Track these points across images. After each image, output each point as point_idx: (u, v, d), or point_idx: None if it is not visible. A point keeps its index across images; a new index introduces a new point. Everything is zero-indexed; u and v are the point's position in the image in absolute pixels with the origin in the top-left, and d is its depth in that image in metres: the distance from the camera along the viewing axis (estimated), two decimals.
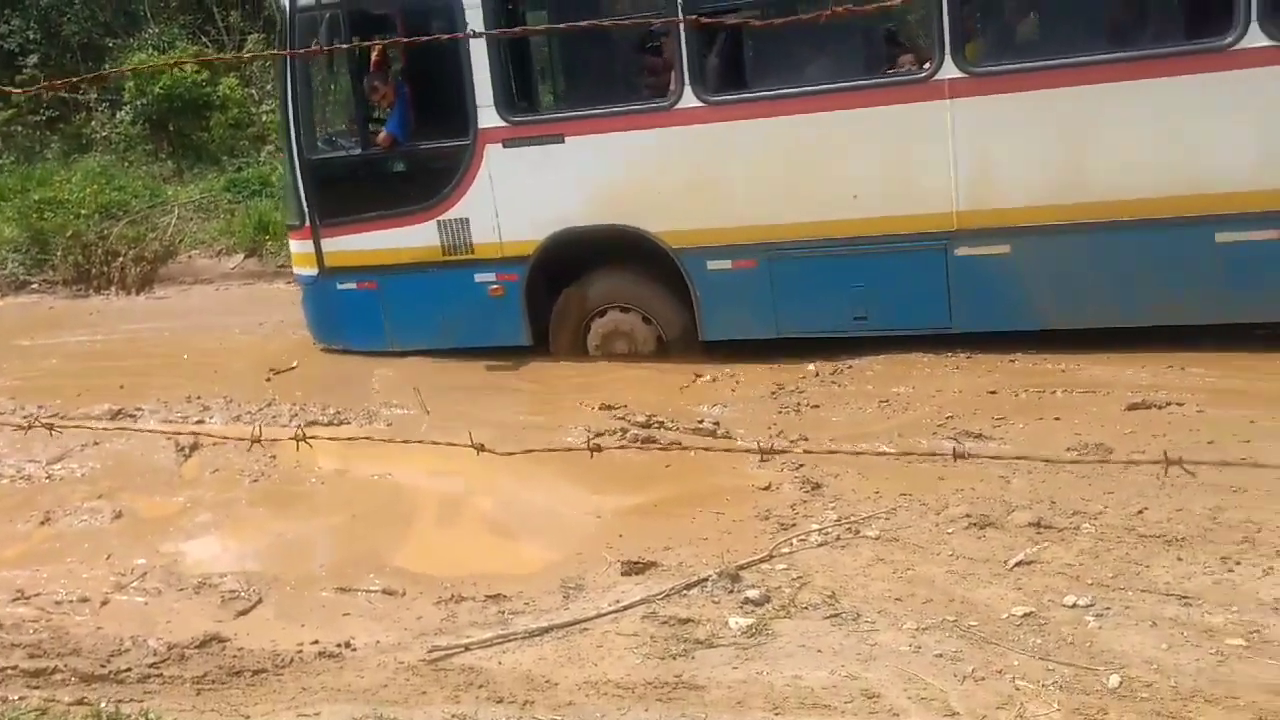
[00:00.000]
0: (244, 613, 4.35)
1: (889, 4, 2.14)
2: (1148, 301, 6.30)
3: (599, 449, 2.40)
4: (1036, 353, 6.46)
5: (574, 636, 3.83)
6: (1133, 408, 5.46)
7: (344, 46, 7.61)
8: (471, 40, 7.13)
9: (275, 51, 9.67)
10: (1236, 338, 6.19)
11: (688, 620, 3.84)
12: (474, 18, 7.09)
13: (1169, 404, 5.43)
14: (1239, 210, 5.95)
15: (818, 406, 6.15)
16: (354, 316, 8.07)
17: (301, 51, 7.23)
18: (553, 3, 8.32)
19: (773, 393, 6.51)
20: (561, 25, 6.93)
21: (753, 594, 3.95)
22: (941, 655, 3.43)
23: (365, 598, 4.38)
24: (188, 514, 5.53)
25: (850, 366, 6.72)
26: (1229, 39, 5.83)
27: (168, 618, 4.32)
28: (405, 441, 3.31)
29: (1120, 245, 6.22)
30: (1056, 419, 5.48)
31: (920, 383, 6.29)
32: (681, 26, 6.74)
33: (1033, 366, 6.34)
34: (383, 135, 7.75)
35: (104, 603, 4.53)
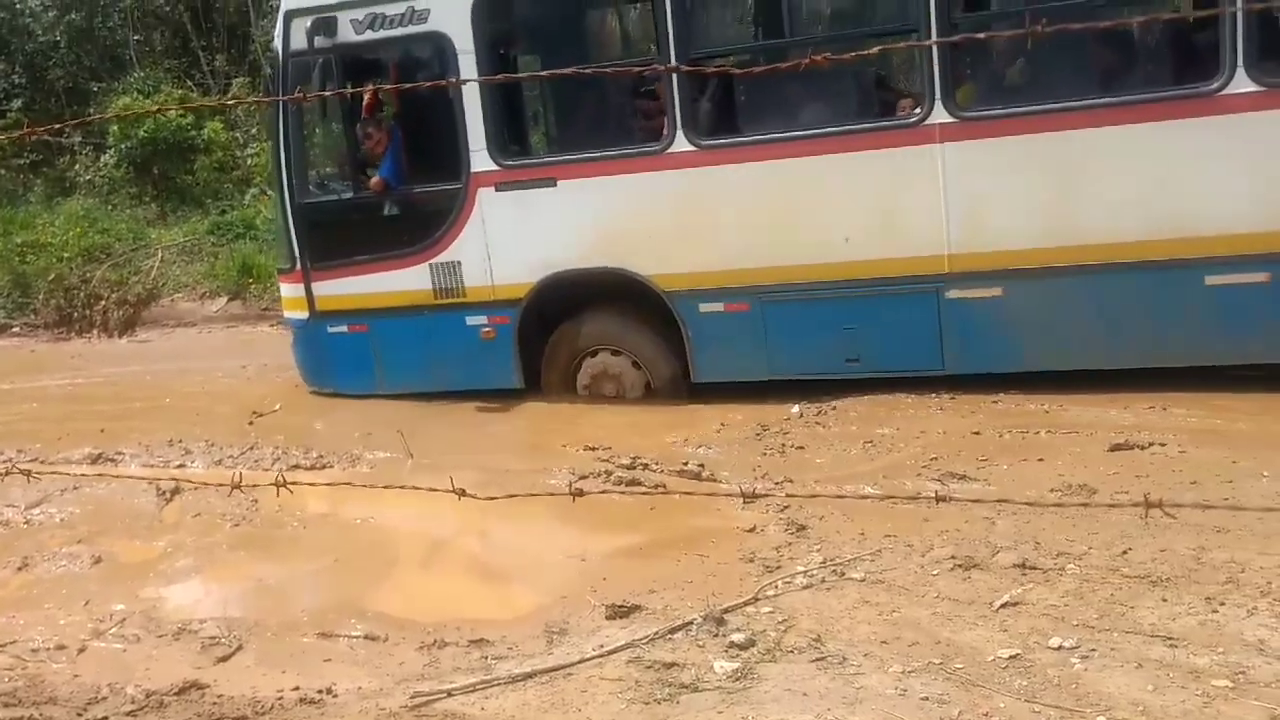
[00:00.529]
0: (224, 659, 4.30)
1: (869, 52, 2.16)
2: (1139, 343, 6.34)
3: (580, 493, 2.39)
4: (1020, 393, 6.48)
5: (558, 681, 3.79)
6: (1116, 448, 5.48)
7: (335, 91, 7.64)
8: (464, 85, 7.18)
9: (264, 98, 9.73)
10: (1217, 378, 6.23)
11: (672, 664, 3.81)
12: (466, 63, 7.15)
13: (1151, 445, 5.45)
14: (1229, 253, 6.01)
15: (802, 448, 6.16)
16: (345, 360, 8.05)
17: (290, 98, 7.26)
18: (544, 48, 8.41)
19: (757, 434, 6.51)
20: (549, 72, 6.96)
21: (738, 637, 3.92)
22: (928, 698, 3.41)
23: (347, 643, 4.33)
24: (168, 559, 5.47)
25: (834, 408, 6.73)
26: (1216, 84, 5.92)
27: (146, 664, 4.27)
28: (386, 486, 3.28)
29: (1111, 287, 6.27)
30: (1040, 460, 5.49)
31: (904, 424, 6.30)
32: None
33: (1016, 407, 6.36)
34: (375, 180, 7.78)
35: (81, 649, 4.47)
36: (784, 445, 6.22)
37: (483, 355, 7.60)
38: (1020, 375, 6.56)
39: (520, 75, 7.98)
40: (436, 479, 5.55)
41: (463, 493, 2.63)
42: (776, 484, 5.59)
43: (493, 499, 2.71)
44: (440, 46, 7.27)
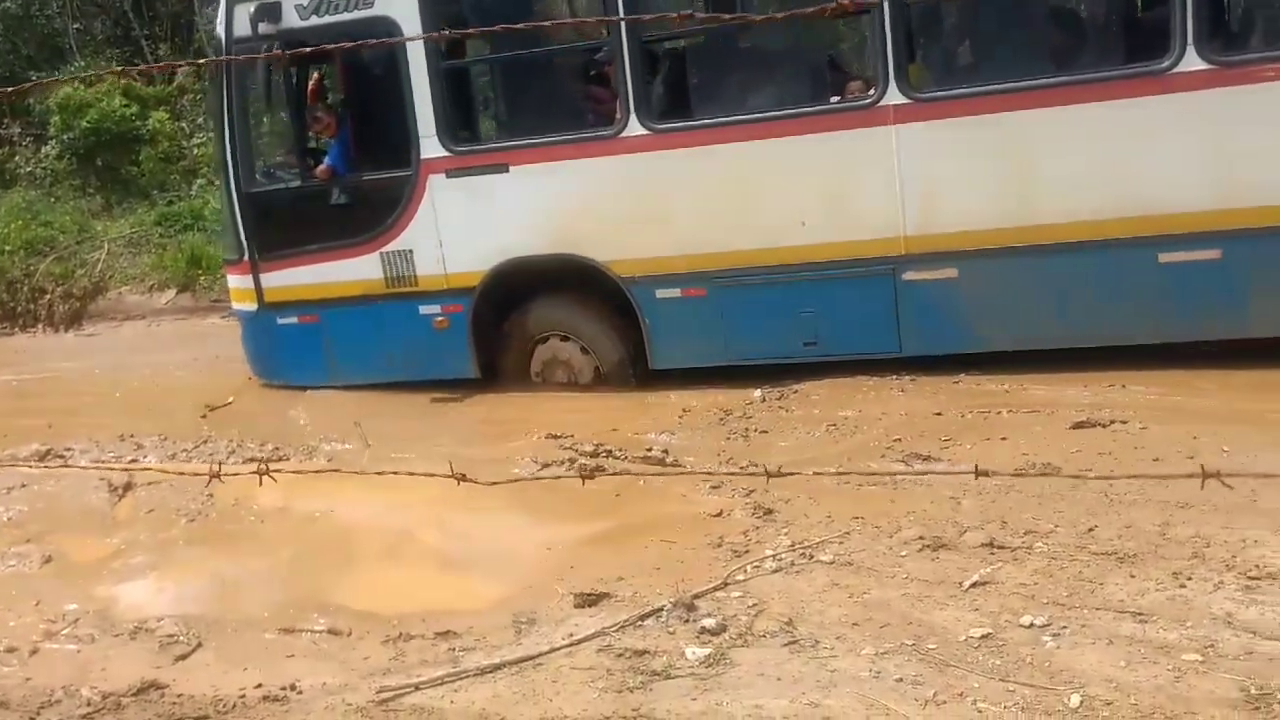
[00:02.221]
0: (183, 657, 4.19)
1: (821, 10, 2.12)
2: (1094, 322, 6.38)
3: (591, 476, 2.34)
4: (980, 374, 6.51)
5: (528, 672, 3.73)
6: (1078, 426, 5.50)
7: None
8: (413, 68, 7.07)
9: (207, 60, 9.52)
10: (1175, 356, 6.28)
11: (644, 652, 3.76)
12: (414, 47, 7.04)
13: (1113, 422, 5.48)
14: (1182, 231, 6.06)
15: (766, 432, 6.13)
16: (295, 351, 7.92)
17: (229, 59, 7.11)
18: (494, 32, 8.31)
19: (720, 419, 6.48)
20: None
21: (709, 623, 3.88)
22: (902, 680, 3.39)
23: (310, 638, 4.25)
24: (121, 556, 5.35)
25: (796, 391, 6.72)
26: (1166, 63, 5.95)
27: (102, 665, 4.16)
28: (379, 473, 3.20)
29: (1066, 267, 6.30)
30: (1003, 439, 5.50)
31: (866, 406, 6.30)
32: (626, 54, 6.73)
33: (977, 387, 6.38)
34: (322, 168, 7.66)
35: (33, 651, 4.35)
36: (748, 430, 6.19)
37: (437, 345, 7.52)
38: (980, 356, 6.59)
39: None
40: (397, 468, 5.44)
41: (463, 477, 2.55)
42: (742, 468, 5.55)
43: (494, 484, 2.64)
44: (388, 31, 7.14)
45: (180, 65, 12.63)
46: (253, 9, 7.23)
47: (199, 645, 4.28)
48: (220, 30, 7.56)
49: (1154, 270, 6.15)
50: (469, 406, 7.45)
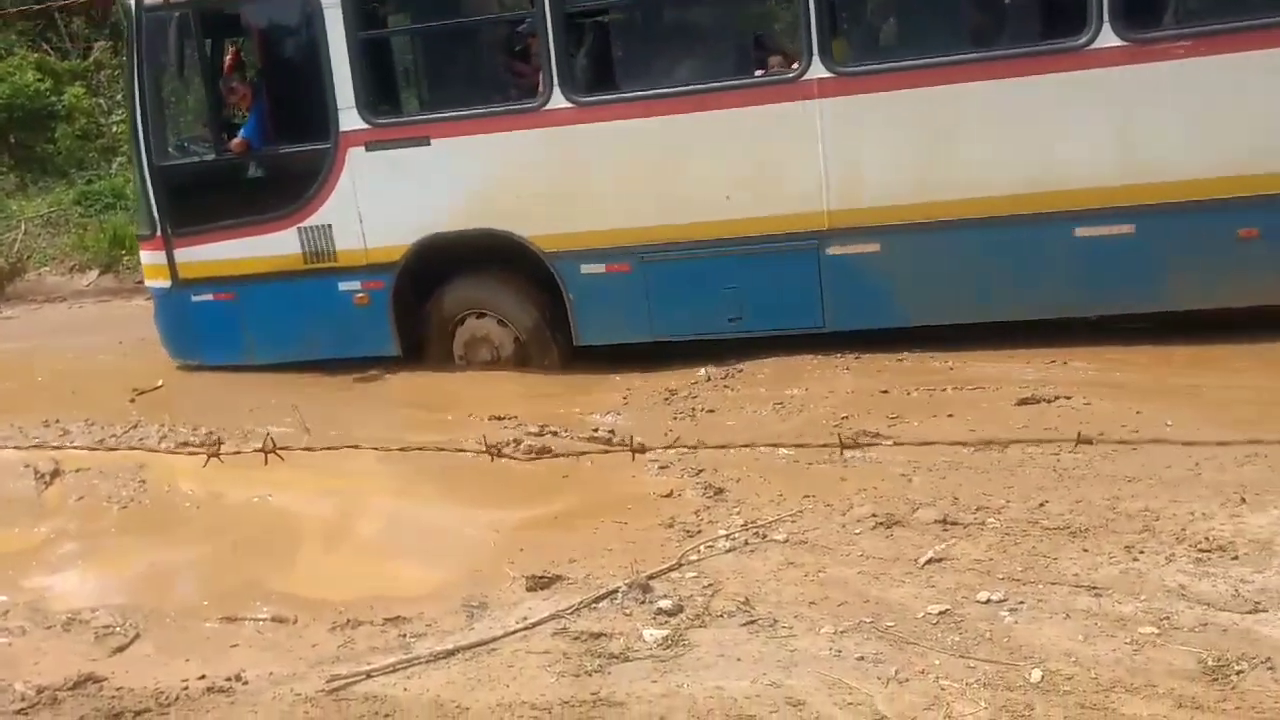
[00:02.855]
0: (121, 649, 4.05)
1: None
2: (1014, 296, 6.45)
3: (641, 450, 2.30)
4: (924, 351, 6.55)
5: (482, 658, 3.65)
6: (1023, 403, 5.54)
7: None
8: (331, 39, 6.89)
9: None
10: (1109, 332, 6.37)
11: (600, 634, 3.70)
12: (333, 18, 6.86)
13: (1057, 398, 5.53)
14: (1097, 206, 6.14)
15: (713, 411, 6.10)
16: (211, 329, 7.72)
17: None
18: (415, 2, 8.13)
19: (665, 399, 6.44)
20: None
21: (665, 604, 3.83)
22: (863, 658, 3.37)
23: (254, 626, 4.12)
24: (51, 545, 5.15)
25: (741, 370, 6.69)
26: (1083, 39, 6.01)
27: (35, 658, 4.00)
28: (404, 450, 3.11)
29: (985, 241, 6.36)
30: (950, 416, 5.52)
31: (812, 384, 6.29)
32: (550, 25, 6.62)
33: (921, 365, 6.41)
34: (236, 141, 7.44)
35: None
36: (694, 409, 6.15)
37: (357, 322, 7.37)
38: (923, 334, 6.63)
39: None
40: (334, 453, 5.34)
41: (498, 452, 2.46)
42: (690, 448, 5.50)
43: (534, 457, 2.57)
44: (305, 0, 6.95)
45: None
46: None
47: (137, 636, 4.14)
48: None
49: (1071, 244, 6.24)
50: (399, 387, 7.31)
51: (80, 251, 11.92)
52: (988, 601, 3.64)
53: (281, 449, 2.52)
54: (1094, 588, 3.64)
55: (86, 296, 11.43)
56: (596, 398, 6.64)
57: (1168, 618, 3.41)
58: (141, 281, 10.81)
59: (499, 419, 6.26)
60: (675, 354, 7.09)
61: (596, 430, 5.92)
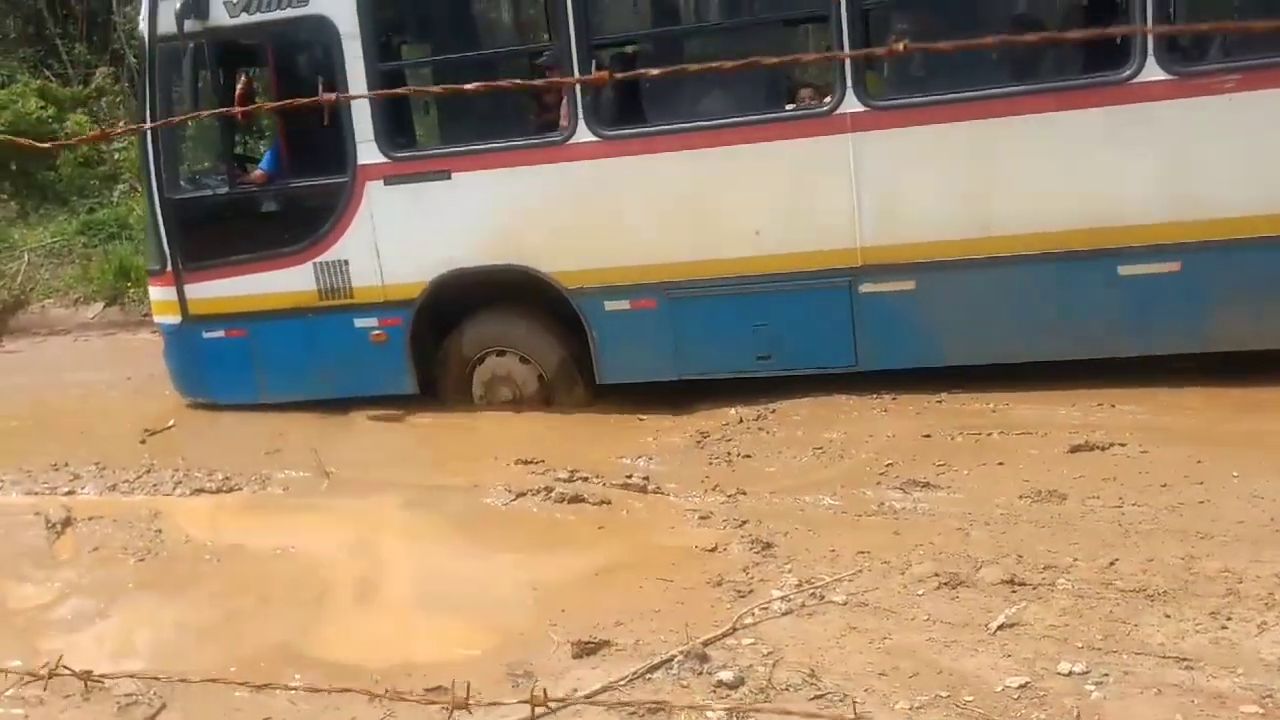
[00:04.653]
0: None
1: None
2: (1054, 336, 6.25)
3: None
4: (962, 392, 6.33)
5: None
6: (1075, 450, 5.33)
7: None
8: (350, 71, 6.73)
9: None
10: (1155, 371, 6.16)
11: (658, 709, 3.49)
12: (351, 49, 6.71)
13: (1111, 445, 5.33)
14: (1142, 243, 5.96)
15: (749, 456, 5.89)
16: (222, 367, 7.50)
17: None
18: (435, 32, 7.97)
19: (698, 441, 6.23)
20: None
21: (725, 675, 3.62)
22: None
23: (287, 698, 3.89)
24: (66, 602, 4.92)
25: (774, 411, 6.48)
26: (1127, 72, 5.85)
27: None
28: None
29: (1025, 279, 6.17)
30: (1000, 464, 5.32)
31: (851, 427, 6.09)
32: (575, 58, 6.48)
33: (961, 407, 6.20)
34: (258, 173, 7.30)
35: None
36: (729, 454, 5.94)
37: (374, 360, 7.16)
38: (956, 373, 6.41)
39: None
40: (357, 499, 5.15)
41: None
42: (730, 496, 5.31)
43: None
44: (323, 30, 6.79)
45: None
46: (179, 5, 6.83)
47: (163, 707, 3.92)
48: (144, 27, 7.13)
49: (1114, 282, 6.06)
50: (420, 429, 7.09)
51: (85, 283, 11.69)
52: (1070, 673, 3.44)
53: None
54: (1184, 659, 3.44)
55: (91, 330, 11.20)
56: (625, 440, 6.43)
57: (1270, 695, 3.20)
58: (148, 314, 10.63)
59: (525, 463, 6.04)
60: (699, 392, 6.89)
61: (630, 476, 5.71)
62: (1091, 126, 5.96)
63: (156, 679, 3.69)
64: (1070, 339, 6.23)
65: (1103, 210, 6.00)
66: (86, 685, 1.93)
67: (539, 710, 1.78)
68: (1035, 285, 6.17)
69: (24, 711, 3.99)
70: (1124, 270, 6.04)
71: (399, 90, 6.99)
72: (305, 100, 2.15)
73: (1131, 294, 6.04)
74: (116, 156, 15.42)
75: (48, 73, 17.41)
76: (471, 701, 2.92)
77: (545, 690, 1.85)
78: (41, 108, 15.31)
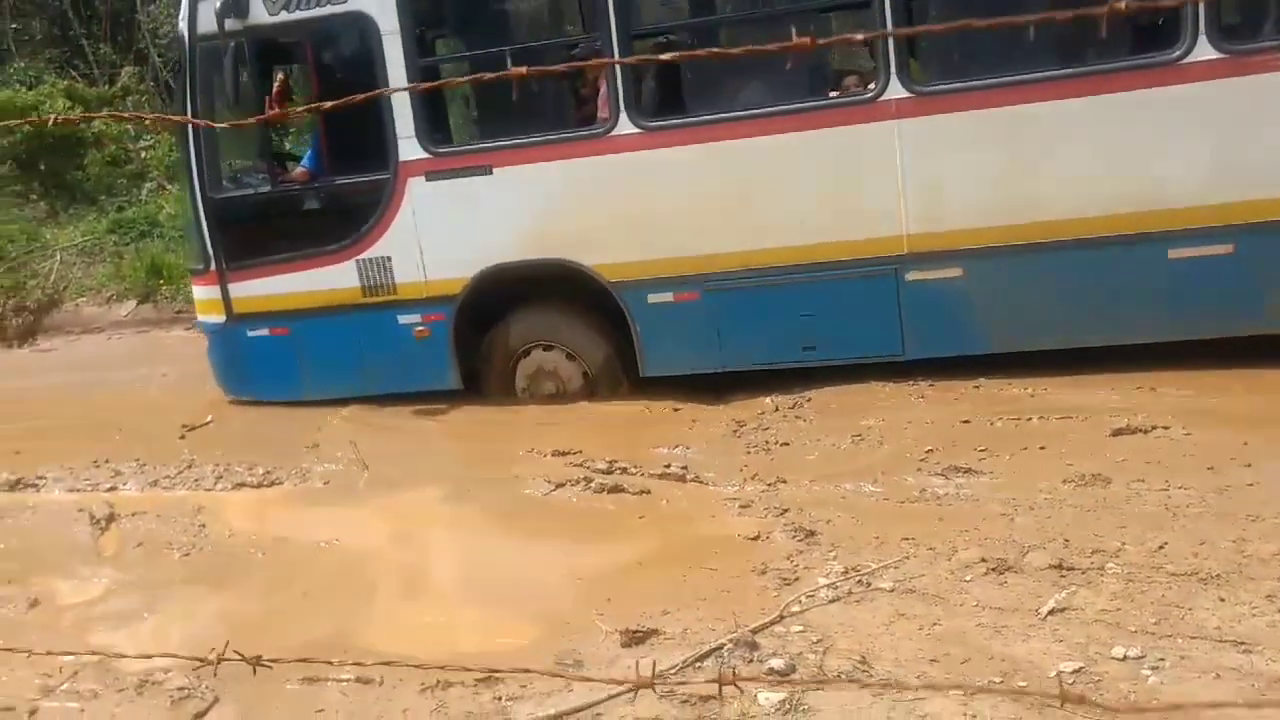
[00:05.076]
0: (201, 715, 3.85)
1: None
2: (1103, 321, 6.21)
3: None
4: (999, 376, 6.30)
5: None
6: (1118, 433, 5.30)
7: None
8: (390, 67, 6.74)
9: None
10: (1196, 353, 6.11)
11: (710, 697, 3.49)
12: (391, 45, 6.72)
13: (1154, 428, 5.29)
14: (1192, 226, 5.91)
15: (787, 444, 5.88)
16: (266, 365, 7.56)
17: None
18: (475, 27, 7.97)
19: (734, 430, 6.22)
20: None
21: (776, 663, 3.61)
22: None
23: (338, 689, 3.91)
24: (114, 597, 4.95)
25: (809, 399, 6.47)
26: (1177, 52, 5.79)
27: None
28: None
29: (1074, 264, 6.13)
30: (1042, 448, 5.29)
31: (888, 414, 6.06)
32: (615, 50, 6.46)
33: (999, 392, 6.17)
34: (299, 170, 7.32)
35: (32, 711, 3.98)
36: (767, 442, 5.93)
37: (417, 355, 7.20)
38: (994, 358, 6.38)
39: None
40: (398, 492, 5.17)
41: None
42: (769, 485, 5.30)
43: None
44: (362, 27, 6.81)
45: None
46: (219, 4, 6.86)
47: (216, 700, 3.94)
48: (184, 26, 7.16)
49: (1164, 266, 6.00)
50: (461, 422, 7.11)
51: (117, 281, 11.79)
52: (1124, 658, 3.41)
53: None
54: (1241, 643, 3.41)
55: (125, 327, 11.29)
56: (662, 430, 6.43)
57: None
58: (181, 311, 10.75)
59: (563, 454, 6.06)
60: (735, 382, 6.89)
61: (668, 466, 5.71)
62: (1141, 108, 5.90)
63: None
64: (1120, 324, 6.19)
65: (1152, 193, 5.95)
66: (255, 670, 1.96)
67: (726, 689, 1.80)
68: (1084, 270, 6.13)
69: (80, 705, 4.02)
70: (1174, 254, 5.99)
71: (443, 82, 7.05)
72: (359, 96, 2.16)
73: (1182, 277, 5.99)
74: (144, 155, 15.53)
75: (74, 73, 17.57)
76: (656, 681, 2.95)
77: (735, 670, 1.86)
78: (69, 108, 15.41)
